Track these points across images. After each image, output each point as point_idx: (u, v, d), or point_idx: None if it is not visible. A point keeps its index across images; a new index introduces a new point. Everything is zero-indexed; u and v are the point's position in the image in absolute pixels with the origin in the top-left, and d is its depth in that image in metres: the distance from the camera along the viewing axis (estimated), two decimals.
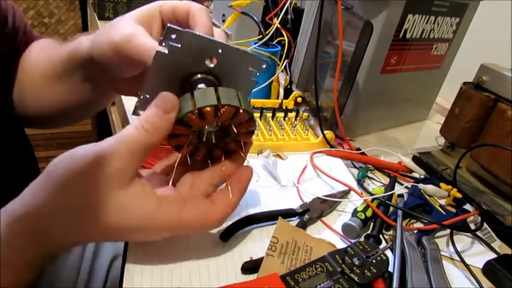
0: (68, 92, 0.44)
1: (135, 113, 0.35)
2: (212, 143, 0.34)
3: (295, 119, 0.62)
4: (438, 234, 0.46)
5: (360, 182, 0.52)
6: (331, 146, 0.58)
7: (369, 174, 0.55)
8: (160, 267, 0.34)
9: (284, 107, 0.65)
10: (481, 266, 0.42)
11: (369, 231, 0.43)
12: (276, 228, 0.39)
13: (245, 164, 0.36)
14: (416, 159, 0.61)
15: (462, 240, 0.46)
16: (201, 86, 0.33)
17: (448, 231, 0.46)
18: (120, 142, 0.29)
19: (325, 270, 0.33)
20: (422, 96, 0.76)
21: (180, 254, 0.36)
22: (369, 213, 0.43)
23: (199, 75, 0.32)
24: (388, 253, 0.38)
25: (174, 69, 0.31)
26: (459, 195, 0.50)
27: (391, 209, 0.45)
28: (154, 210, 0.30)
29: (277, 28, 0.65)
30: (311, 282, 0.32)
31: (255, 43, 0.66)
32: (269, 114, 0.61)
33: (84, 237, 0.31)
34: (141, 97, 0.33)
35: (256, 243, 0.39)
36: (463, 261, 0.41)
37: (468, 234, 0.46)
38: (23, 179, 0.30)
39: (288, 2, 0.65)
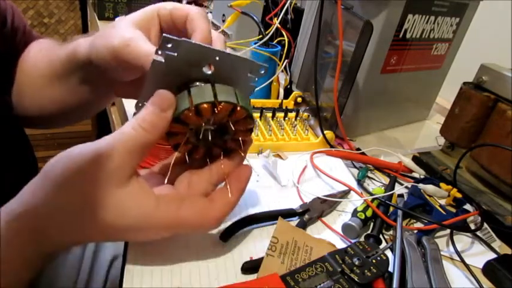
0: (67, 93, 0.44)
1: None
2: (210, 141, 0.34)
3: (295, 119, 0.62)
4: (438, 234, 0.46)
5: (360, 182, 0.52)
6: (331, 146, 0.58)
7: (369, 174, 0.55)
8: (160, 267, 0.34)
9: (284, 107, 0.65)
10: (481, 266, 0.42)
11: (369, 231, 0.43)
12: (276, 228, 0.39)
13: (245, 163, 0.36)
14: (416, 159, 0.61)
15: (462, 240, 0.46)
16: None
17: (448, 231, 0.46)
18: (118, 141, 0.29)
19: (325, 270, 0.33)
20: (422, 96, 0.76)
21: (180, 254, 0.36)
22: (369, 213, 0.43)
23: (197, 83, 0.32)
24: (388, 253, 0.38)
25: (171, 77, 0.31)
26: (459, 195, 0.50)
27: (391, 209, 0.45)
28: (152, 209, 0.30)
29: (277, 28, 0.65)
30: (311, 282, 0.32)
31: (255, 43, 0.66)
32: (269, 114, 0.61)
33: (83, 237, 0.31)
34: (140, 104, 0.33)
35: (256, 243, 0.39)
36: (463, 261, 0.41)
37: (468, 234, 0.46)
38: (23, 179, 0.30)
39: (288, 2, 0.65)
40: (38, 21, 1.71)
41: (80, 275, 0.53)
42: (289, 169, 0.52)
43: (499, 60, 0.57)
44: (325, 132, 0.57)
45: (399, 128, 0.74)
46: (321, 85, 0.62)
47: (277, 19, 0.65)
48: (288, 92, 0.71)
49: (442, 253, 0.41)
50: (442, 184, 0.52)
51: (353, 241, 0.41)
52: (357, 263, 0.34)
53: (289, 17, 0.70)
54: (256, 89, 0.65)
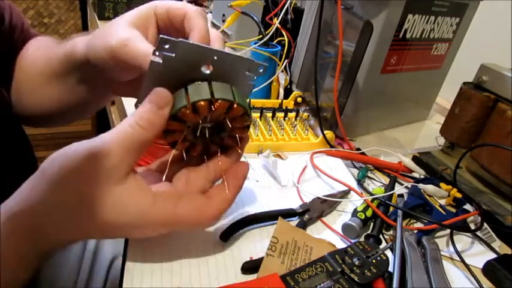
0: (65, 92, 0.44)
1: None
2: (208, 138, 0.34)
3: (295, 119, 0.62)
4: (438, 234, 0.46)
5: (360, 182, 0.52)
6: (331, 146, 0.58)
7: (369, 174, 0.55)
8: (160, 267, 0.34)
9: (284, 107, 0.65)
10: (481, 266, 0.42)
11: (369, 231, 0.43)
12: (276, 228, 0.39)
13: (242, 160, 0.36)
14: (416, 159, 0.61)
15: (462, 240, 0.46)
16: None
17: (448, 231, 0.46)
18: (115, 138, 0.29)
19: (325, 270, 0.33)
20: (422, 96, 0.76)
21: (180, 254, 0.36)
22: (369, 213, 0.43)
23: (196, 82, 0.32)
24: (388, 253, 0.38)
25: (169, 78, 0.31)
26: (459, 195, 0.50)
27: (391, 209, 0.45)
28: (149, 206, 0.30)
29: (277, 28, 0.65)
30: (311, 282, 0.32)
31: (255, 43, 0.66)
32: (269, 114, 0.61)
33: (79, 235, 0.31)
34: (139, 105, 0.33)
35: (256, 243, 0.39)
36: (463, 261, 0.41)
37: (468, 234, 0.46)
38: (23, 179, 0.30)
39: (288, 2, 0.65)
40: (38, 21, 1.71)
41: (80, 275, 0.53)
42: (289, 169, 0.52)
43: (499, 60, 0.57)
44: (325, 132, 0.57)
45: (399, 128, 0.74)
46: (321, 85, 0.62)
47: (277, 19, 0.65)
48: (288, 92, 0.71)
49: (442, 253, 0.41)
50: (442, 184, 0.52)
51: (353, 241, 0.41)
52: (357, 263, 0.34)
53: (289, 17, 0.70)
54: (256, 88, 0.66)
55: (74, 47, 0.40)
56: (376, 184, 0.53)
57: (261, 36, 0.66)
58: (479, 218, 0.46)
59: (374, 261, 0.35)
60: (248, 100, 0.34)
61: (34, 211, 0.28)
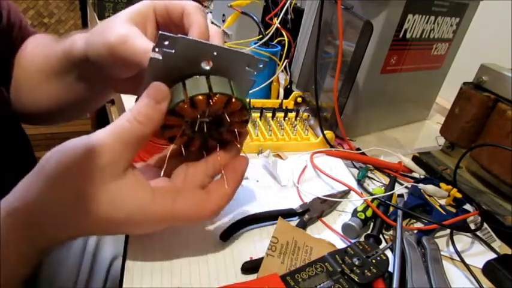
0: (64, 90, 0.44)
1: None
2: (206, 133, 0.34)
3: (295, 119, 0.62)
4: (438, 234, 0.46)
5: (360, 182, 0.52)
6: (331, 146, 0.58)
7: (369, 174, 0.55)
8: (160, 267, 0.34)
9: (284, 107, 0.65)
10: (481, 266, 0.42)
11: (369, 231, 0.43)
12: (276, 228, 0.39)
13: (241, 154, 0.36)
14: (416, 159, 0.61)
15: (462, 240, 0.46)
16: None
17: (448, 231, 0.46)
18: (112, 133, 0.29)
19: (325, 270, 0.33)
20: (422, 96, 0.76)
21: (180, 254, 0.36)
22: (369, 213, 0.43)
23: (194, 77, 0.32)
24: (388, 253, 0.38)
25: (169, 74, 0.31)
26: (459, 195, 0.50)
27: (391, 209, 0.45)
28: (148, 201, 0.30)
29: (277, 28, 0.65)
30: (311, 282, 0.32)
31: (255, 43, 0.66)
32: (269, 114, 0.61)
33: (78, 231, 0.31)
34: None
35: (256, 243, 0.39)
36: (463, 261, 0.41)
37: (468, 234, 0.46)
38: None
39: (288, 2, 0.65)
40: (38, 21, 1.71)
41: (80, 275, 0.53)
42: (289, 169, 0.52)
43: (499, 60, 0.57)
44: (325, 132, 0.57)
45: (399, 128, 0.74)
46: (321, 85, 0.62)
47: (277, 19, 0.65)
48: (288, 92, 0.71)
49: (442, 253, 0.41)
50: (442, 184, 0.52)
51: (353, 241, 0.41)
52: (357, 263, 0.34)
53: (289, 17, 0.70)
54: (256, 88, 0.66)
55: (73, 44, 0.40)
56: (376, 184, 0.53)
57: (261, 36, 0.66)
58: (479, 218, 0.46)
59: (374, 261, 0.35)
60: (248, 100, 0.34)
61: (32, 207, 0.28)
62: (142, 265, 0.34)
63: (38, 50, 0.47)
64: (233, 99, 0.31)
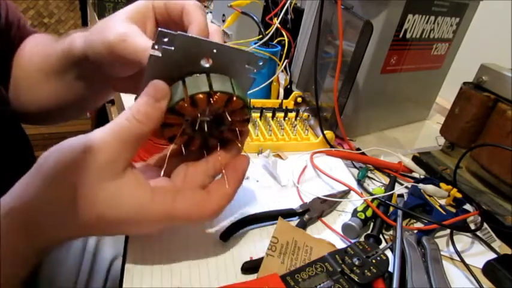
0: (63, 89, 0.44)
1: None
2: (207, 132, 0.34)
3: (295, 119, 0.62)
4: (438, 234, 0.46)
5: (360, 182, 0.52)
6: (331, 146, 0.58)
7: (369, 174, 0.55)
8: (160, 267, 0.34)
9: (284, 107, 0.65)
10: (481, 266, 0.42)
11: (369, 231, 0.43)
12: (276, 228, 0.39)
13: (242, 154, 0.35)
14: (416, 159, 0.61)
15: (462, 240, 0.46)
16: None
17: (448, 231, 0.46)
18: (111, 132, 0.29)
19: (325, 270, 0.33)
20: (422, 96, 0.76)
21: (180, 254, 0.36)
22: (369, 213, 0.43)
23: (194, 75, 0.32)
24: (388, 253, 0.38)
25: (169, 72, 0.31)
26: (459, 195, 0.50)
27: (391, 209, 0.45)
28: (147, 201, 0.30)
29: (277, 28, 0.65)
30: (311, 282, 0.32)
31: (255, 43, 0.66)
32: (269, 114, 0.61)
33: (77, 231, 0.30)
34: None
35: (256, 243, 0.39)
36: (463, 261, 0.41)
37: (468, 234, 0.46)
38: None
39: (288, 2, 0.65)
40: (38, 21, 1.71)
41: (80, 275, 0.53)
42: (289, 169, 0.52)
43: (499, 60, 0.57)
44: (325, 132, 0.57)
45: (399, 128, 0.74)
46: (321, 85, 0.62)
47: (277, 19, 0.65)
48: (288, 92, 0.71)
49: (442, 253, 0.41)
50: (442, 184, 0.52)
51: (353, 241, 0.41)
52: (357, 263, 0.34)
53: (289, 17, 0.70)
54: (256, 88, 0.66)
55: (72, 43, 0.39)
56: (376, 184, 0.53)
57: (261, 36, 0.66)
58: (479, 218, 0.46)
59: (374, 261, 0.35)
60: (249, 99, 0.34)
61: (30, 207, 0.28)
62: (142, 265, 0.34)
63: (37, 49, 0.47)
64: (234, 98, 0.31)
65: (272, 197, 0.46)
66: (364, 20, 0.52)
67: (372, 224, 0.44)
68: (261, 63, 0.33)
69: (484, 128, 0.56)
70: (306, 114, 0.64)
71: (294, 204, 0.45)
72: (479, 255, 0.44)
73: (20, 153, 0.50)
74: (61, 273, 0.52)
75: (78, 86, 0.43)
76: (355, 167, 0.56)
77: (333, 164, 0.55)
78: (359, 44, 0.54)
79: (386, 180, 0.54)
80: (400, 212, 0.44)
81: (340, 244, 0.41)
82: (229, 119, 0.32)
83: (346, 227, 0.42)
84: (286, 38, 0.67)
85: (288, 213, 0.43)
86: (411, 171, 0.56)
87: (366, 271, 0.33)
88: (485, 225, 0.46)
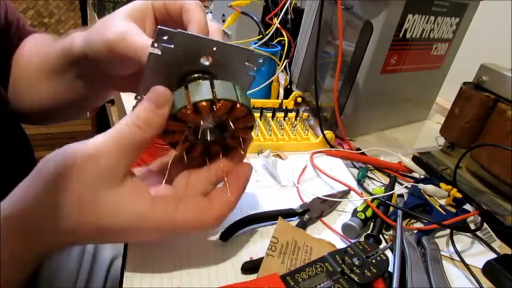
0: (63, 88, 0.44)
1: None
2: (209, 139, 0.33)
3: (295, 119, 0.62)
4: (438, 234, 0.46)
5: (360, 182, 0.52)
6: (331, 146, 0.58)
7: (369, 174, 0.55)
8: (160, 267, 0.34)
9: (284, 107, 0.65)
10: (481, 266, 0.42)
11: (369, 231, 0.43)
12: (276, 228, 0.39)
13: (244, 161, 0.35)
14: (416, 159, 0.61)
15: (462, 240, 0.46)
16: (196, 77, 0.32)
17: (448, 231, 0.46)
18: (111, 138, 0.29)
19: (325, 270, 0.33)
20: (422, 96, 0.76)
21: (180, 254, 0.36)
22: (369, 213, 0.43)
23: (195, 74, 0.32)
24: (388, 253, 0.38)
25: (169, 70, 0.31)
26: (459, 195, 0.50)
27: (391, 209, 0.45)
28: (148, 209, 0.29)
29: (277, 28, 0.65)
30: (311, 282, 0.32)
31: (255, 43, 0.66)
32: (269, 114, 0.61)
33: (76, 238, 0.30)
34: (139, 97, 0.33)
35: (256, 243, 0.39)
36: (463, 261, 0.41)
37: (468, 234, 0.46)
38: (23, 179, 0.30)
39: (288, 2, 0.65)
40: (38, 21, 1.71)
41: (79, 275, 0.53)
42: (289, 169, 0.52)
43: (499, 60, 0.57)
44: (325, 132, 0.57)
45: (399, 128, 0.74)
46: (321, 85, 0.62)
47: (277, 19, 0.65)
48: (288, 92, 0.71)
49: (442, 253, 0.41)
50: (442, 184, 0.52)
51: (353, 241, 0.41)
52: (357, 263, 0.34)
53: (289, 17, 0.70)
54: (256, 88, 0.66)
55: (71, 43, 0.39)
56: (376, 184, 0.53)
57: (261, 36, 0.66)
58: (479, 218, 0.46)
59: (374, 261, 0.35)
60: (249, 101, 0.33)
61: (29, 211, 0.28)
62: (142, 265, 0.34)
63: (37, 48, 0.47)
64: (238, 105, 0.30)
65: (272, 197, 0.46)
66: (364, 20, 0.52)
67: (371, 224, 0.44)
68: (260, 61, 0.33)
69: (484, 128, 0.56)
70: (306, 114, 0.64)
71: (294, 204, 0.45)
72: (479, 255, 0.44)
73: (20, 153, 0.50)
74: (61, 273, 0.52)
75: (78, 85, 0.43)
76: (355, 167, 0.56)
77: (333, 164, 0.55)
78: (359, 44, 0.54)
79: (386, 180, 0.54)
80: (400, 212, 0.44)
81: (340, 244, 0.41)
82: (233, 126, 0.31)
83: (346, 227, 0.42)
84: (286, 38, 0.67)
85: (288, 213, 0.43)
86: (411, 171, 0.56)
87: (366, 271, 0.33)
88: (485, 225, 0.46)
